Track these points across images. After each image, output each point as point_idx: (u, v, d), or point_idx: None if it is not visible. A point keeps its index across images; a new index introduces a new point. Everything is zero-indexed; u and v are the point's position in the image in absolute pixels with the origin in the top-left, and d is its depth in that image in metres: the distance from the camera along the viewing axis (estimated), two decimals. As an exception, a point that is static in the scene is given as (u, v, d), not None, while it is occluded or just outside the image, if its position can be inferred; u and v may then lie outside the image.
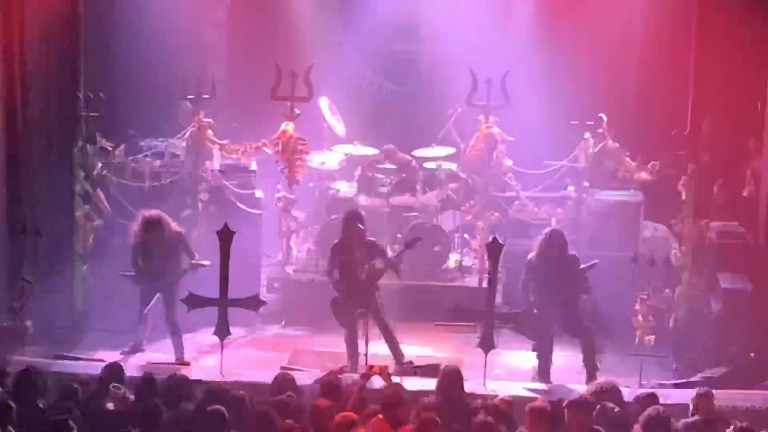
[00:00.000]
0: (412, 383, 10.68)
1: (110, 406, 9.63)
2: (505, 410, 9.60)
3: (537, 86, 14.99)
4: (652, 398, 9.81)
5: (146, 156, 14.10)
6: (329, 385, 9.76)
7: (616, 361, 12.41)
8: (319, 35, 16.09)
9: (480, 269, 13.85)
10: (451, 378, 9.93)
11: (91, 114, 13.28)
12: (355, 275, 12.26)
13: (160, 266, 12.51)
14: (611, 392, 9.76)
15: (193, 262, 12.55)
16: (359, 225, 12.29)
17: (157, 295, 12.60)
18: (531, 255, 12.01)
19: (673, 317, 12.76)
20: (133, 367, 11.28)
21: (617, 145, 14.02)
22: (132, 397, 9.72)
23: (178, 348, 12.51)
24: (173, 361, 12.24)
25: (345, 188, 14.97)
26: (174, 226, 12.67)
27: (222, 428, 8.88)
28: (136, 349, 12.76)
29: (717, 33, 12.68)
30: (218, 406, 9.02)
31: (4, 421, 8.70)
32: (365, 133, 15.52)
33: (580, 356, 12.03)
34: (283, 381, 9.98)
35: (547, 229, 12.16)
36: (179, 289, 12.32)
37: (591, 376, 11.63)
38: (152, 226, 12.44)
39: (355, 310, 12.09)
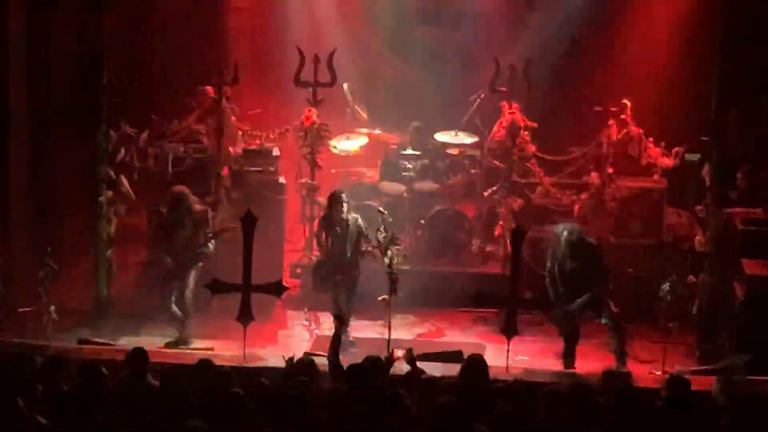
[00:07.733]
0: (433, 368, 10.64)
1: None
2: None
3: (560, 72, 14.94)
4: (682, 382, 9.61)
5: (169, 142, 14.11)
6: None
7: (640, 347, 12.40)
8: (342, 20, 16.05)
9: (502, 255, 13.81)
10: (475, 367, 9.87)
11: (114, 100, 13.29)
12: (336, 249, 12.68)
13: (184, 245, 12.51)
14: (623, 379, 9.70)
15: (230, 225, 12.57)
16: (342, 204, 12.62)
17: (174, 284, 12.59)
18: (550, 249, 12.01)
19: (697, 304, 12.71)
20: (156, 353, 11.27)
21: (641, 131, 13.95)
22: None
23: (181, 331, 12.50)
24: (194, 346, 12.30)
25: (368, 174, 14.96)
26: (199, 204, 12.69)
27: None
28: (184, 341, 12.64)
29: (743, 19, 12.62)
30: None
31: (31, 404, 8.73)
32: (388, 119, 15.49)
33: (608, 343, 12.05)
34: (303, 365, 9.94)
35: (561, 226, 12.10)
36: (199, 272, 12.38)
37: (621, 363, 11.63)
38: (179, 200, 12.44)
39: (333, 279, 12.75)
